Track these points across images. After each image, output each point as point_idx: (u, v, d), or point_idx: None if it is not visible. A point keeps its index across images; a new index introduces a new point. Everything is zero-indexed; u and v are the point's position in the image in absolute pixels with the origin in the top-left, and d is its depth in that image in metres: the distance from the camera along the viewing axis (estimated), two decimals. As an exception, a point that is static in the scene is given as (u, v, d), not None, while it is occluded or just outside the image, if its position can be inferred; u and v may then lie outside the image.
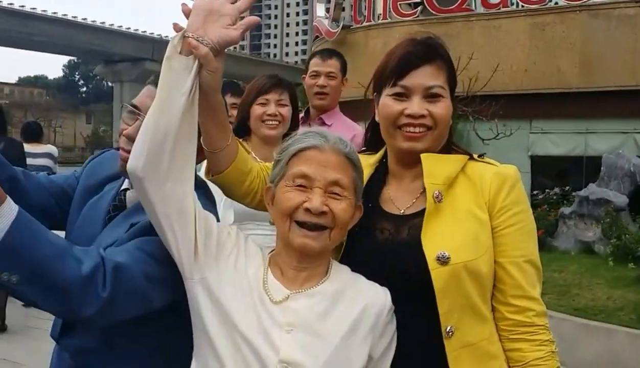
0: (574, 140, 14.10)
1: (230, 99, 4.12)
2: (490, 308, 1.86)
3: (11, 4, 67.20)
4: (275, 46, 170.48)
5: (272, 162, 1.82)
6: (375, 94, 1.97)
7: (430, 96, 1.85)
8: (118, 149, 1.96)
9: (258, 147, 3.16)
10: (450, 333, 1.77)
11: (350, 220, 1.74)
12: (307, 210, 1.65)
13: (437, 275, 1.75)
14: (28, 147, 7.65)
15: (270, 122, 3.13)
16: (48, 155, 8.13)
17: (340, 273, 1.77)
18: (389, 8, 16.34)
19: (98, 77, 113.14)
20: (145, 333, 1.83)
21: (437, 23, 14.75)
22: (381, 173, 1.99)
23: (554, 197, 12.69)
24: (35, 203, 1.97)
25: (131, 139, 1.81)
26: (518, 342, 1.83)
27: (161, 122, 1.62)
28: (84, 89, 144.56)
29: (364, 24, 17.13)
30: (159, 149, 1.61)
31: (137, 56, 69.33)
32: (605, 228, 9.11)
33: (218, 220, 1.83)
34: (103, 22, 75.96)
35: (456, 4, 15.25)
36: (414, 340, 1.78)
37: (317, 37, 19.78)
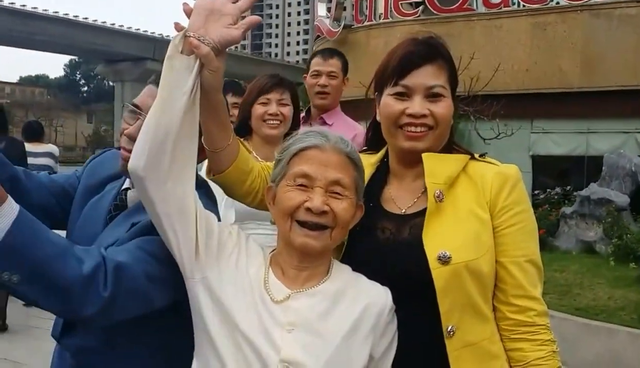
0: (575, 140, 14.11)
1: (231, 99, 4.12)
2: (491, 308, 1.86)
3: (12, 3, 67.30)
4: (276, 46, 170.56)
5: (273, 162, 1.82)
6: (376, 93, 1.97)
7: (432, 96, 1.85)
8: (119, 148, 1.96)
9: (259, 147, 3.16)
10: (452, 333, 1.77)
11: (351, 220, 1.74)
12: (308, 209, 1.65)
13: (438, 274, 1.75)
14: (29, 147, 7.66)
15: (272, 122, 3.13)
16: (49, 155, 8.14)
17: (342, 273, 1.77)
18: (390, 7, 16.36)
19: (99, 77, 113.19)
20: (146, 333, 1.83)
21: (438, 23, 14.76)
22: (382, 172, 1.99)
23: (555, 197, 12.70)
24: (37, 202, 1.97)
25: (132, 139, 1.81)
26: (519, 342, 1.83)
27: (162, 122, 1.61)
28: (85, 88, 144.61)
29: (365, 23, 17.14)
30: (160, 148, 1.61)
31: (139, 55, 69.38)
32: (607, 228, 9.11)
33: (219, 220, 1.83)
34: (104, 22, 76.02)
35: (457, 4, 15.26)
36: (415, 340, 1.78)
37: (318, 36, 19.80)
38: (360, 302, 1.70)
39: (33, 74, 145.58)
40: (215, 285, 1.69)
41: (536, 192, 13.15)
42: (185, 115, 1.63)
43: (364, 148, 2.11)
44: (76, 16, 72.48)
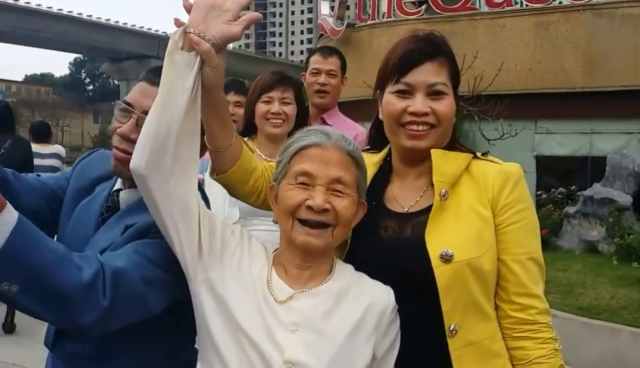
0: (578, 140, 14.07)
1: (234, 97, 4.11)
2: (493, 306, 1.86)
3: (17, 0, 67.32)
4: (280, 45, 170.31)
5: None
6: (378, 91, 1.97)
7: (434, 93, 1.84)
8: (110, 148, 1.93)
9: (264, 145, 3.16)
10: (454, 332, 1.77)
11: (353, 218, 1.74)
12: (310, 207, 1.65)
13: (441, 273, 1.75)
14: (36, 147, 7.61)
15: (274, 120, 3.12)
16: (56, 156, 8.11)
17: (344, 272, 1.77)
18: (394, 6, 16.32)
19: (104, 75, 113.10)
20: (143, 337, 1.81)
21: (441, 22, 14.71)
22: (385, 171, 1.99)
23: (559, 197, 12.69)
24: (26, 205, 1.93)
25: (125, 138, 1.82)
26: (521, 340, 1.83)
27: (164, 119, 1.61)
28: (91, 87, 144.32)
29: (369, 22, 17.10)
30: (162, 146, 1.61)
31: (143, 53, 69.47)
32: (610, 227, 9.12)
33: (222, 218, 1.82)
34: (109, 19, 76.08)
35: (460, 3, 15.22)
36: (417, 339, 1.78)
37: (321, 35, 19.76)
38: (363, 301, 1.70)
39: (38, 73, 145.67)
40: (218, 285, 1.68)
41: (539, 192, 13.15)
42: (186, 113, 1.62)
43: (367, 147, 2.10)
44: (80, 13, 72.64)
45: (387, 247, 1.86)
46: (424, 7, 15.93)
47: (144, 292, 1.67)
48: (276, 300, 1.67)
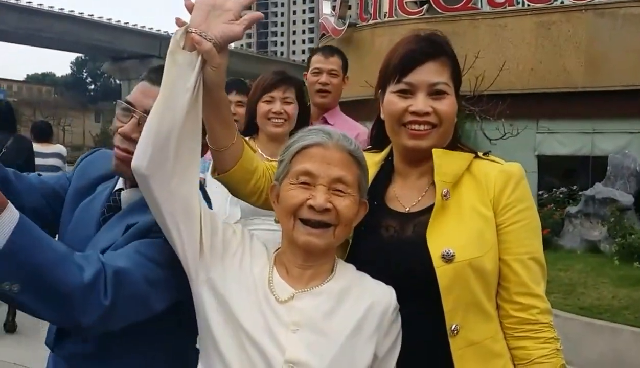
0: (580, 140, 14.08)
1: (235, 97, 4.11)
2: (495, 306, 1.86)
3: (19, 0, 67.38)
4: (282, 44, 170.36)
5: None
6: (380, 91, 1.96)
7: (435, 93, 1.84)
8: (111, 148, 1.93)
9: (265, 144, 3.16)
10: (455, 332, 1.77)
11: (354, 218, 1.74)
12: (311, 207, 1.65)
13: (442, 272, 1.75)
14: (38, 147, 7.64)
15: (276, 120, 3.12)
16: (58, 155, 8.13)
17: (346, 272, 1.76)
18: (395, 6, 16.33)
19: (106, 75, 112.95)
20: (144, 336, 1.81)
21: (443, 21, 14.72)
22: (387, 171, 1.99)
23: (561, 196, 12.69)
24: (27, 204, 1.92)
25: (127, 137, 1.81)
26: (523, 340, 1.83)
27: (166, 119, 1.60)
28: (92, 86, 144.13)
29: (370, 22, 17.11)
30: (164, 145, 1.60)
31: (145, 53, 69.47)
32: (611, 227, 9.12)
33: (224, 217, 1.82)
34: (110, 19, 76.15)
35: (462, 3, 15.23)
36: (419, 339, 1.78)
37: (323, 35, 19.77)
38: (365, 301, 1.70)
39: (40, 72, 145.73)
40: (219, 285, 1.68)
41: (541, 192, 13.15)
42: (188, 113, 1.62)
43: (369, 147, 2.10)
44: (82, 13, 72.67)
45: (389, 246, 1.86)
46: (425, 6, 15.96)
47: (146, 292, 1.67)
48: (277, 300, 1.67)
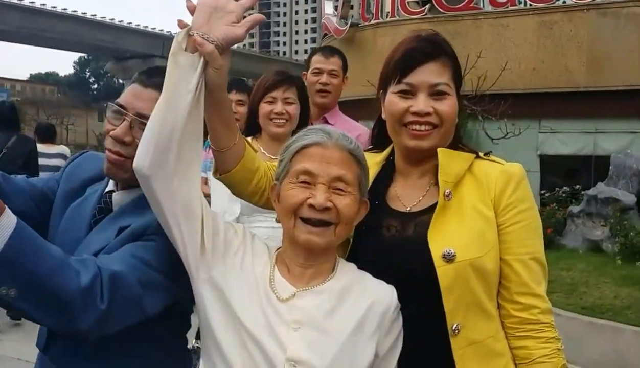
0: (582, 139, 14.08)
1: (235, 96, 4.12)
2: (496, 305, 1.86)
3: (21, 0, 67.46)
4: (284, 44, 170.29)
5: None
6: (381, 91, 1.97)
7: (436, 94, 1.85)
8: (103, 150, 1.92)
9: (268, 144, 3.18)
10: (457, 331, 1.77)
11: (355, 216, 1.74)
12: (311, 206, 1.65)
13: (443, 272, 1.75)
14: (42, 148, 7.73)
15: (278, 120, 3.13)
16: (61, 156, 8.19)
17: (347, 271, 1.77)
18: (397, 6, 16.34)
19: (109, 74, 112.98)
20: (137, 337, 1.79)
21: (445, 21, 14.73)
22: (388, 171, 1.99)
23: (563, 196, 12.69)
24: (15, 207, 1.82)
25: (119, 140, 1.81)
26: (524, 340, 1.83)
27: (167, 120, 1.61)
28: (95, 86, 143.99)
29: (372, 21, 17.12)
30: (166, 145, 1.61)
31: (148, 53, 69.44)
32: (613, 227, 9.10)
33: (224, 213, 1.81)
34: (113, 19, 76.20)
35: (464, 3, 15.25)
36: (420, 338, 1.78)
37: (325, 35, 19.80)
38: (366, 300, 1.70)
39: (43, 72, 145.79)
40: (220, 284, 1.69)
41: (543, 191, 13.15)
42: (190, 114, 1.63)
43: (370, 147, 2.10)
44: (84, 13, 72.75)
45: (390, 246, 1.86)
46: (427, 6, 15.97)
47: (141, 295, 1.67)
48: (279, 299, 1.67)
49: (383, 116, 1.96)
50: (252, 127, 3.24)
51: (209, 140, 1.87)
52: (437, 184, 1.86)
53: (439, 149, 1.85)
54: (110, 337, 1.65)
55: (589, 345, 6.01)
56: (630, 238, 8.38)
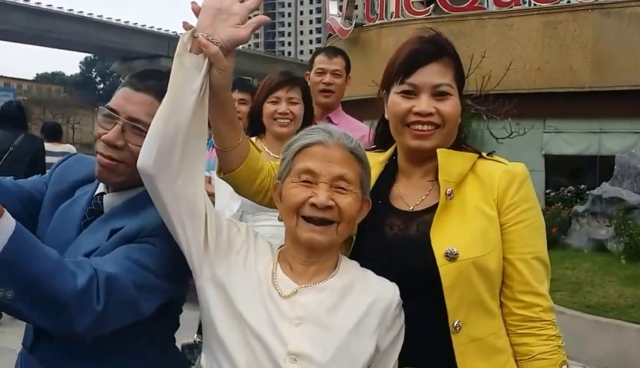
0: (587, 139, 14.04)
1: (237, 95, 4.13)
2: (498, 303, 1.87)
3: (27, 0, 67.57)
4: (289, 44, 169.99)
5: None
6: (384, 91, 1.98)
7: (438, 94, 1.85)
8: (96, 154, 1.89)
9: (272, 144, 3.19)
10: (458, 328, 1.78)
11: (357, 215, 1.74)
12: (313, 205, 1.66)
13: (446, 271, 1.76)
14: (49, 146, 7.82)
15: (282, 120, 3.15)
16: (67, 155, 8.29)
17: (349, 268, 1.77)
18: (402, 6, 16.29)
19: (115, 74, 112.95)
20: (129, 336, 1.78)
21: (449, 21, 14.69)
22: (391, 170, 2.00)
23: (568, 195, 12.68)
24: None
25: (110, 145, 1.80)
26: (525, 337, 1.84)
27: (172, 119, 1.62)
28: (101, 85, 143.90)
29: (377, 22, 17.08)
30: (170, 144, 1.62)
31: (153, 53, 69.43)
32: (618, 226, 9.09)
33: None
34: (119, 20, 76.21)
35: (468, 3, 15.19)
36: (422, 336, 1.79)
37: (330, 35, 19.77)
38: (368, 296, 1.70)
39: (49, 71, 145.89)
40: (224, 282, 1.69)
41: (548, 190, 13.14)
42: (194, 114, 1.63)
43: (373, 146, 2.11)
44: (90, 14, 72.74)
45: (393, 245, 1.87)
46: (431, 6, 15.90)
47: (136, 297, 1.66)
48: (281, 295, 1.68)
49: (386, 116, 1.97)
50: (257, 127, 3.26)
51: (212, 139, 1.88)
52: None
53: (438, 150, 1.86)
54: (106, 337, 1.65)
55: (593, 343, 6.02)
56: (634, 238, 8.35)
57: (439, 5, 15.43)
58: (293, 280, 1.71)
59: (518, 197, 1.85)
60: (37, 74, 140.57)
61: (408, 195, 1.94)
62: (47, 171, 2.15)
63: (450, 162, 1.87)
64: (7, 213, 1.41)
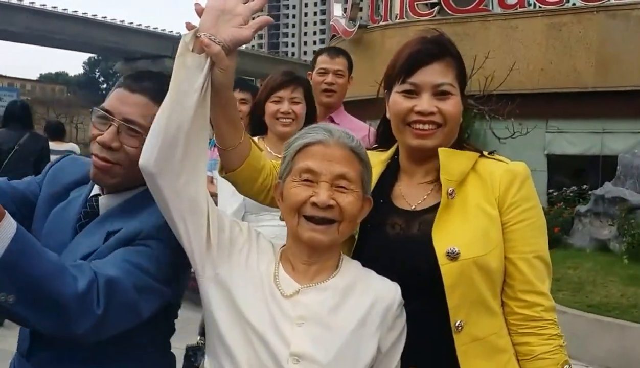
0: (590, 139, 14.04)
1: (238, 94, 4.12)
2: (500, 303, 1.87)
3: (32, 2, 67.68)
4: (293, 45, 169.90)
5: None
6: (386, 91, 1.98)
7: (440, 93, 1.85)
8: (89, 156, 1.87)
9: (274, 143, 3.19)
10: (460, 328, 1.78)
11: (358, 214, 1.74)
12: (314, 204, 1.65)
13: (447, 270, 1.76)
14: (52, 145, 7.82)
15: (284, 120, 3.15)
16: (70, 153, 8.31)
17: (351, 268, 1.77)
18: (406, 8, 16.29)
19: (118, 74, 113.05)
20: (126, 340, 1.75)
21: (454, 23, 14.68)
22: (393, 169, 2.00)
23: (570, 195, 12.68)
24: None
25: (105, 146, 1.78)
26: (527, 336, 1.84)
27: (174, 118, 1.62)
28: (105, 85, 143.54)
29: (381, 23, 17.06)
30: (172, 143, 1.62)
31: (157, 54, 69.43)
32: (620, 226, 9.09)
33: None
34: (122, 21, 76.27)
35: (473, 4, 15.19)
36: (423, 335, 1.79)
37: (334, 36, 19.78)
38: (369, 296, 1.70)
39: (53, 72, 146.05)
40: (226, 282, 1.70)
41: (550, 190, 13.14)
42: (196, 113, 1.63)
43: (375, 145, 2.11)
44: (94, 15, 72.83)
45: (394, 244, 1.87)
46: (436, 8, 15.91)
47: (137, 300, 1.66)
48: (283, 295, 1.68)
49: (388, 115, 1.97)
50: (258, 127, 3.27)
51: (214, 138, 1.89)
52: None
53: (439, 149, 1.87)
54: (104, 342, 1.64)
55: (595, 342, 6.03)
56: (637, 238, 8.37)
57: (444, 7, 15.42)
58: (295, 280, 1.71)
59: (519, 196, 1.85)
60: (40, 74, 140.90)
61: (410, 194, 1.94)
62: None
63: (452, 161, 1.87)
64: (8, 215, 1.41)
